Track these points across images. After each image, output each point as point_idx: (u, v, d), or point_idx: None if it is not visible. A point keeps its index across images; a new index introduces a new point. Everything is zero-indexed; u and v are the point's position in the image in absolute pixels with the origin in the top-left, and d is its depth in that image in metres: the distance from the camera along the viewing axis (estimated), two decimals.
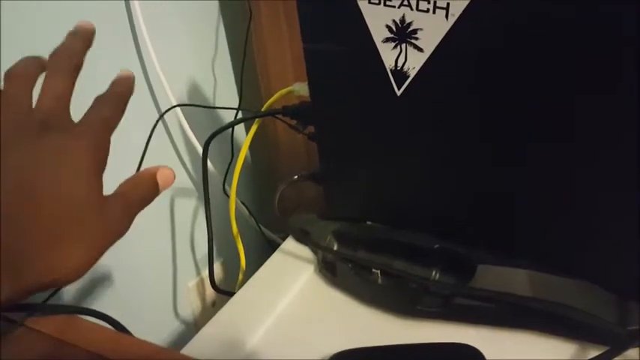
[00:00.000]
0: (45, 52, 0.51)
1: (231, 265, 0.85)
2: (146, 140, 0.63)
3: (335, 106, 0.46)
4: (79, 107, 0.53)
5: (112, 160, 0.63)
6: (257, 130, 0.60)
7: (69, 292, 0.58)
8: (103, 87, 0.53)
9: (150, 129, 0.64)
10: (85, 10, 0.56)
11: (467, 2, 0.35)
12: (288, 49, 0.69)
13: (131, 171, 0.57)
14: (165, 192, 0.72)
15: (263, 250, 0.77)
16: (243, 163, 0.60)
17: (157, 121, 0.64)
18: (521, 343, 0.42)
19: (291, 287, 0.51)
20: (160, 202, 0.71)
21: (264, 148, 0.82)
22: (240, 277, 0.62)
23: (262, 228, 0.79)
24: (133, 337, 0.30)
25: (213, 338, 0.46)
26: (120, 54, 0.61)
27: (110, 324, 0.34)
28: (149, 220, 0.69)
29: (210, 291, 0.81)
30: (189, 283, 0.79)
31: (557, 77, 0.36)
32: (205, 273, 0.81)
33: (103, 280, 0.64)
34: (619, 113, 0.35)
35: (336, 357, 0.40)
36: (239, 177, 0.61)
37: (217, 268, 0.84)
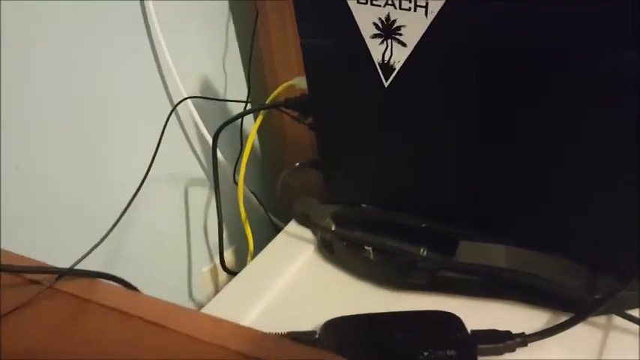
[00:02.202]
0: (65, 53, 0.57)
1: (242, 252, 0.89)
2: (160, 131, 0.67)
3: (330, 97, 0.50)
4: (98, 98, 0.59)
5: (126, 150, 0.69)
6: (264, 121, 0.65)
7: None
8: (118, 81, 0.59)
9: (163, 121, 0.68)
10: (100, 9, 0.60)
11: (444, 1, 0.39)
12: (293, 44, 0.73)
13: (145, 161, 0.63)
14: (179, 182, 0.77)
15: (270, 235, 0.82)
16: (252, 154, 0.64)
17: (171, 112, 0.69)
18: (499, 312, 0.46)
19: (292, 265, 0.55)
20: (173, 192, 0.76)
21: (271, 138, 0.86)
22: (249, 259, 0.67)
23: (269, 214, 0.84)
24: (150, 296, 0.35)
25: (216, 312, 0.51)
26: (134, 50, 0.66)
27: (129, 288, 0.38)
28: (163, 209, 0.74)
29: (223, 277, 0.85)
30: (203, 268, 0.84)
31: (531, 66, 0.39)
32: (218, 259, 0.85)
33: (119, 269, 0.69)
34: (601, 94, 0.38)
35: (329, 323, 0.44)
36: (248, 166, 0.66)
37: (229, 254, 0.88)
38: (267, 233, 0.87)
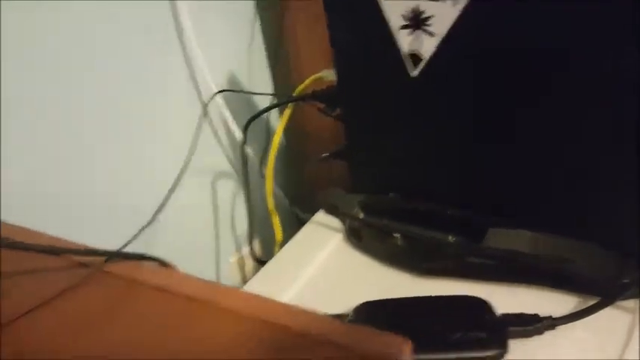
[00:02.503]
0: (100, 51, 0.59)
1: (267, 243, 0.91)
2: (190, 125, 0.70)
3: (358, 87, 0.51)
4: (134, 95, 0.61)
5: (160, 143, 0.70)
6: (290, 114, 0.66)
7: None
8: (151, 77, 0.61)
9: (192, 115, 0.71)
10: (134, 5, 0.62)
11: None
12: (318, 39, 0.74)
13: (177, 153, 0.64)
14: (206, 175, 0.79)
15: (293, 227, 0.84)
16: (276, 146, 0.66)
17: (206, 105, 0.71)
18: (526, 297, 0.47)
19: (321, 252, 0.57)
20: (201, 185, 0.78)
21: (294, 131, 0.88)
22: (276, 249, 0.68)
23: (293, 206, 0.85)
24: (194, 276, 0.36)
25: None
26: (165, 46, 0.68)
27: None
28: (191, 201, 0.76)
29: (250, 267, 0.87)
30: (230, 259, 0.86)
31: (560, 54, 0.40)
32: (245, 251, 0.87)
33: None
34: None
35: (361, 306, 0.45)
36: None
37: (255, 245, 0.90)
38: (290, 225, 0.89)
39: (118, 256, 0.37)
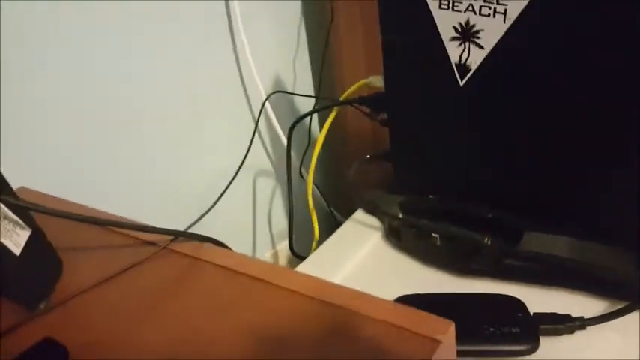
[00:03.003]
0: (160, 53, 0.63)
1: (302, 241, 0.95)
2: (244, 123, 0.73)
3: (406, 93, 0.54)
4: (191, 95, 0.65)
5: (212, 141, 0.75)
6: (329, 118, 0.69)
7: None
8: (205, 77, 0.64)
9: (242, 114, 0.75)
10: (190, 10, 0.67)
11: (522, 8, 0.43)
12: (362, 46, 0.78)
13: (229, 149, 0.68)
14: (248, 171, 0.83)
15: (329, 228, 0.87)
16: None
17: (262, 106, 0.74)
18: (559, 299, 0.49)
19: (360, 250, 0.60)
20: (243, 181, 0.81)
21: (334, 135, 0.91)
22: (314, 246, 0.71)
23: (330, 207, 0.88)
24: (254, 257, 0.40)
25: None
26: (221, 48, 0.72)
27: None
28: (233, 197, 0.80)
29: (283, 261, 0.91)
30: (266, 253, 0.90)
31: (600, 71, 0.43)
32: (280, 246, 0.91)
33: None
34: None
35: (399, 299, 0.48)
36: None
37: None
38: (325, 226, 0.92)
39: (183, 235, 0.41)
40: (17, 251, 0.36)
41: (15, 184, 0.39)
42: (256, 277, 0.37)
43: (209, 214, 0.75)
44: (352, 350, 0.30)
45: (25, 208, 0.37)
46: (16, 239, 0.37)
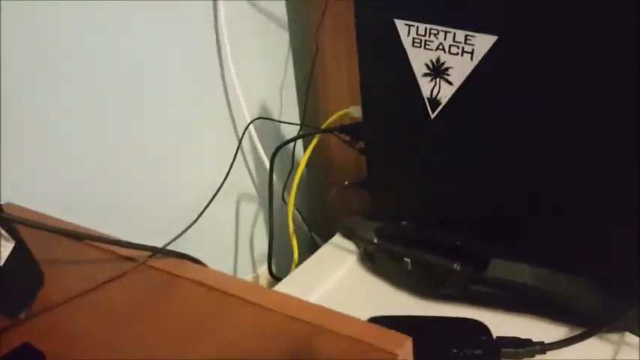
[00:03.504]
0: (152, 76, 0.66)
1: (282, 265, 0.96)
2: (227, 146, 0.75)
3: (382, 124, 0.57)
4: (181, 115, 0.68)
5: (197, 161, 0.77)
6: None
7: None
8: (195, 103, 0.67)
9: (228, 137, 0.77)
10: (181, 33, 0.70)
11: (488, 48, 0.46)
12: (345, 77, 0.81)
13: (210, 170, 0.71)
14: (232, 195, 0.85)
15: (308, 253, 0.89)
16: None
17: (245, 130, 0.77)
18: (521, 324, 0.51)
19: (336, 272, 0.62)
20: (225, 203, 0.83)
21: (316, 161, 0.94)
22: (293, 267, 0.73)
23: (311, 231, 0.91)
24: (229, 275, 0.42)
25: None
26: (210, 74, 0.75)
27: None
28: (215, 218, 0.82)
29: (264, 284, 0.92)
30: (246, 276, 0.91)
31: (561, 105, 0.46)
32: (261, 269, 0.92)
33: None
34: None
35: (371, 319, 0.50)
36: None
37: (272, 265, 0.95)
38: (305, 250, 0.94)
39: (161, 252, 0.43)
40: (0, 262, 0.38)
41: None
42: (230, 293, 0.39)
43: (193, 235, 0.78)
44: None
45: (10, 220, 0.39)
46: (0, 251, 0.39)
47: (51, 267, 0.43)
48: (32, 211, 0.50)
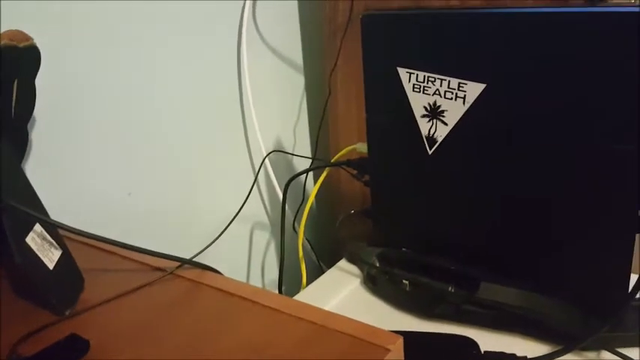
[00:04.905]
0: (175, 112, 0.74)
1: (290, 290, 1.01)
2: (246, 177, 0.82)
3: (385, 160, 0.64)
4: (203, 146, 0.76)
5: (213, 192, 0.84)
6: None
7: None
8: (216, 138, 0.74)
9: (244, 167, 0.84)
10: (207, 76, 0.78)
11: (477, 94, 0.53)
12: (355, 117, 0.89)
13: (227, 198, 0.77)
14: (246, 224, 0.91)
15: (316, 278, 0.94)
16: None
17: (262, 162, 0.84)
18: (508, 341, 0.56)
19: (340, 293, 0.67)
20: (238, 231, 0.89)
21: (325, 193, 1.00)
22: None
23: (319, 260, 0.96)
24: (246, 283, 0.47)
25: None
26: (231, 110, 0.83)
27: None
28: (231, 245, 0.88)
29: None
30: None
31: (547, 149, 0.52)
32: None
33: None
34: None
35: None
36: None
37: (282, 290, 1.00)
38: (313, 277, 0.99)
39: (188, 262, 0.49)
40: (51, 266, 0.45)
41: None
42: (246, 297, 0.45)
43: (210, 256, 0.84)
44: (323, 355, 0.38)
45: (58, 226, 0.45)
46: (50, 257, 0.45)
47: (90, 275, 0.49)
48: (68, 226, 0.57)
